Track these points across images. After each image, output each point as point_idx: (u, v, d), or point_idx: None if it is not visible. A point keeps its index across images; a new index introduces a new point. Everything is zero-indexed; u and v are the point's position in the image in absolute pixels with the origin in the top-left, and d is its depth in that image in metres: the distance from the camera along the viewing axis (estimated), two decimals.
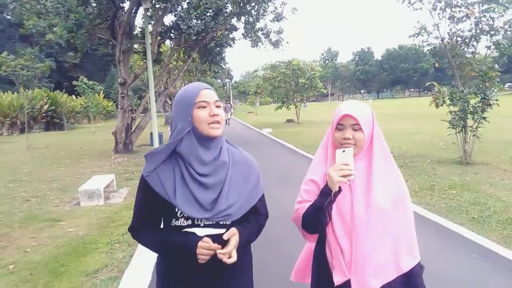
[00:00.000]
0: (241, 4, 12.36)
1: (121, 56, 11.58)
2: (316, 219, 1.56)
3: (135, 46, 14.67)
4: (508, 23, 7.75)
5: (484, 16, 8.08)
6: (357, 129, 1.50)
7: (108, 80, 48.79)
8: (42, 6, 9.29)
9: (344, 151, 1.47)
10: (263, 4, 13.01)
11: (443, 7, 8.46)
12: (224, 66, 44.75)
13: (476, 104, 7.69)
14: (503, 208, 5.22)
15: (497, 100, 7.58)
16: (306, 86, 23.72)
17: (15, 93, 27.98)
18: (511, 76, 75.45)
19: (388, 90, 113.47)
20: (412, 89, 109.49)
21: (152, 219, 1.52)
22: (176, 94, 1.70)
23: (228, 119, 27.65)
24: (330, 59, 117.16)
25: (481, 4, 8.08)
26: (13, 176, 9.57)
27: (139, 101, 26.19)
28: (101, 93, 36.19)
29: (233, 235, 1.43)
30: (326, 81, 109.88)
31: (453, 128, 8.07)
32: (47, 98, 29.59)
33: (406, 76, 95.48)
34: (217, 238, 1.42)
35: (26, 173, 10.01)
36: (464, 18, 8.04)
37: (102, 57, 19.44)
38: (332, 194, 1.49)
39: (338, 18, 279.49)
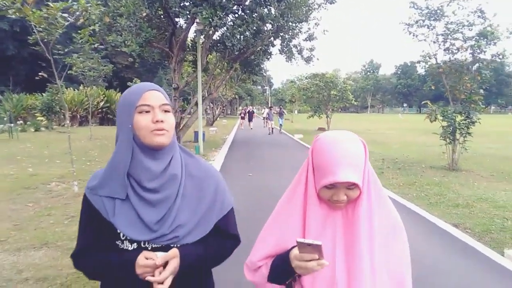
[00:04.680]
0: (278, 26, 14.43)
1: (176, 66, 13.97)
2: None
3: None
4: (493, 56, 9.43)
5: (478, 48, 9.74)
6: (352, 188, 1.12)
7: (155, 82, 52.36)
8: (118, 25, 11.88)
9: (309, 244, 1.03)
10: (297, 26, 15.08)
11: (444, 39, 10.17)
12: (264, 74, 46.92)
13: (461, 121, 9.39)
14: (455, 198, 7.02)
15: (479, 119, 9.26)
16: (338, 97, 25.52)
17: (75, 90, 31.61)
18: None
19: (434, 105, 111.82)
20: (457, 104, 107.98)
21: (97, 243, 1.29)
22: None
23: (274, 126, 25.62)
24: (371, 71, 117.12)
25: (475, 39, 9.75)
26: (87, 158, 12.08)
27: (182, 103, 28.82)
28: None
29: (171, 258, 1.21)
30: (366, 92, 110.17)
31: (443, 140, 9.77)
32: (103, 95, 33.06)
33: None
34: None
35: (96, 156, 12.51)
36: (456, 51, 9.75)
37: (152, 60, 21.84)
38: (297, 275, 1.16)
39: (381, 31, 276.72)
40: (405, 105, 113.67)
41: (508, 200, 6.77)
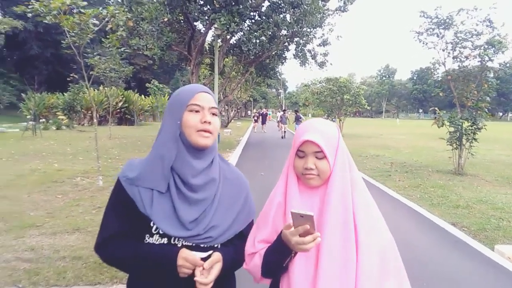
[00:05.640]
0: (293, 31, 14.92)
1: (193, 68, 14.56)
2: (275, 272, 1.25)
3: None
4: (501, 65, 9.75)
5: (486, 55, 10.05)
6: (321, 157, 1.20)
7: (172, 83, 53.22)
8: (141, 29, 12.55)
9: (302, 215, 1.06)
10: (311, 32, 15.55)
11: (453, 47, 10.50)
12: (279, 77, 47.42)
13: (467, 127, 9.71)
14: (457, 199, 7.37)
15: (485, 125, 9.58)
16: (351, 102, 25.81)
17: (95, 90, 32.57)
18: None
19: (446, 111, 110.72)
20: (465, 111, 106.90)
21: (124, 233, 1.29)
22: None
23: (287, 129, 25.50)
24: (387, 76, 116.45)
25: (482, 48, 10.06)
26: (108, 156, 12.67)
27: None
28: (166, 95, 40.25)
29: (216, 263, 1.25)
30: (381, 97, 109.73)
31: (450, 145, 10.09)
32: (122, 96, 33.92)
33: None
34: None
35: (116, 155, 13.10)
36: (465, 59, 10.08)
37: (171, 63, 22.59)
38: (293, 254, 1.17)
39: (398, 36, 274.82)
40: (420, 110, 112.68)
41: (507, 202, 7.10)
